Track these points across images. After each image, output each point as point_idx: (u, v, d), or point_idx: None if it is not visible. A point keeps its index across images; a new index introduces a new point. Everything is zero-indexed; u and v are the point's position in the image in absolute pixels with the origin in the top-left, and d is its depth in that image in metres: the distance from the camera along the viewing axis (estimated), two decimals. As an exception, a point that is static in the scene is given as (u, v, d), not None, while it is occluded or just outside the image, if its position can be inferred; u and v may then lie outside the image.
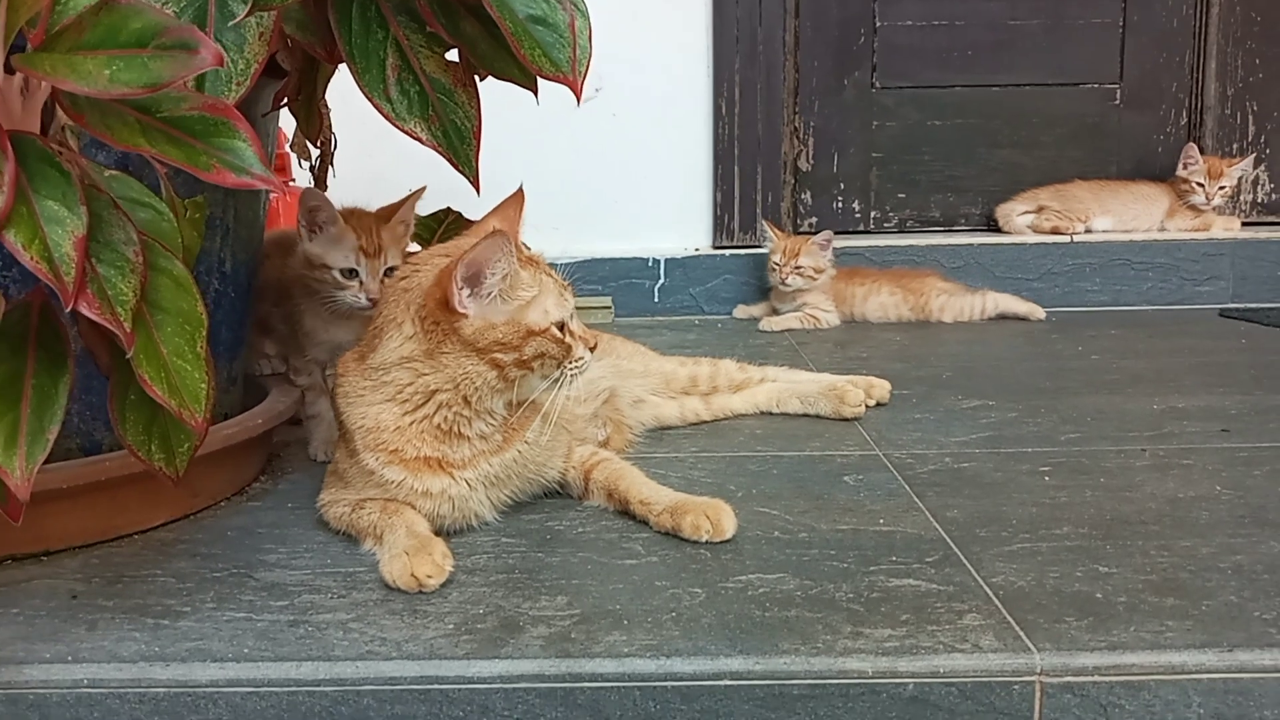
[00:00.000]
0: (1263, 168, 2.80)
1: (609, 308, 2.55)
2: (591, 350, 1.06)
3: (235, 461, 1.19)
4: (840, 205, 2.83)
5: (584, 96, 0.98)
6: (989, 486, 1.17)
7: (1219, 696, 0.76)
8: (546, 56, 0.95)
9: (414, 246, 1.36)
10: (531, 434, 1.06)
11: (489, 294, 0.98)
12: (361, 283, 1.26)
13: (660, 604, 0.87)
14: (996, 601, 0.86)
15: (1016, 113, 2.80)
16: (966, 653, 0.77)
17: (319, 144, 1.41)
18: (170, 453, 0.87)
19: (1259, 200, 2.82)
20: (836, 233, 2.52)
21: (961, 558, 0.95)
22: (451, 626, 0.83)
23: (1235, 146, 2.78)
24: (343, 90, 1.12)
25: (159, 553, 1.01)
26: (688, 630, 0.82)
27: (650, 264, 2.61)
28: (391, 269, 1.25)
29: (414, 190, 1.34)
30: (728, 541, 1.00)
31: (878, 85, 2.79)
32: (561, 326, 1.02)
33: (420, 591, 0.90)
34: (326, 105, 1.35)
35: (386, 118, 1.00)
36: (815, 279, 2.37)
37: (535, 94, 1.06)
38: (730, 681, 0.77)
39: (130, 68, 0.71)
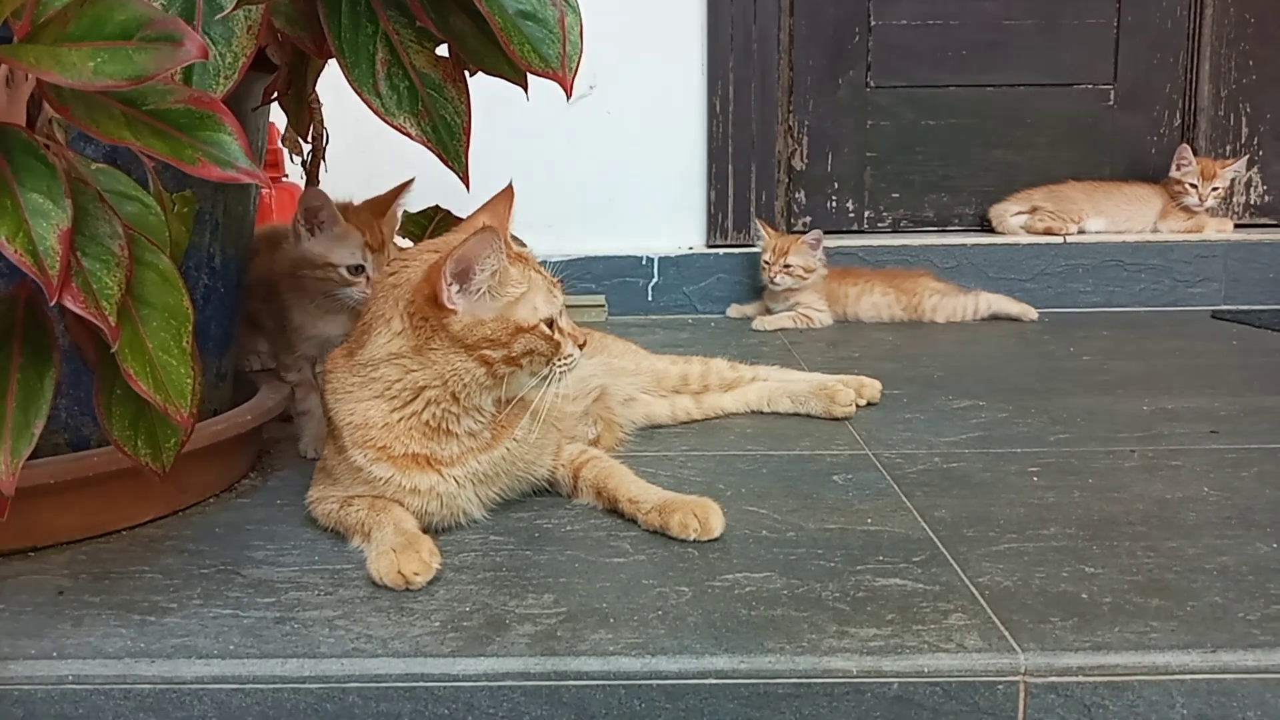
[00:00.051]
0: (1256, 169, 2.80)
1: (602, 306, 2.55)
2: (581, 348, 1.06)
3: (224, 458, 1.18)
4: (834, 205, 2.84)
5: (577, 94, 0.98)
6: (977, 487, 1.17)
7: (1202, 697, 0.76)
8: (536, 52, 0.95)
9: (405, 243, 1.36)
10: (520, 431, 1.06)
11: (478, 290, 0.97)
12: (368, 278, 1.27)
13: (647, 602, 0.87)
14: (982, 601, 0.86)
15: (1011, 113, 2.80)
16: (951, 652, 0.77)
17: (310, 139, 1.41)
18: (157, 448, 0.86)
19: (1252, 202, 2.83)
20: (830, 232, 2.52)
21: (948, 557, 0.96)
22: (438, 624, 0.83)
23: (1228, 148, 2.79)
24: (335, 86, 1.12)
25: (146, 549, 1.01)
26: (674, 629, 0.82)
27: (644, 262, 2.61)
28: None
29: (403, 182, 1.34)
30: (715, 540, 1.00)
31: (872, 84, 2.79)
32: (551, 323, 1.02)
33: (407, 589, 0.90)
34: (318, 100, 1.35)
35: (376, 112, 1.00)
36: (805, 278, 2.37)
37: (525, 90, 1.06)
38: (715, 680, 0.77)
39: (115, 60, 0.70)
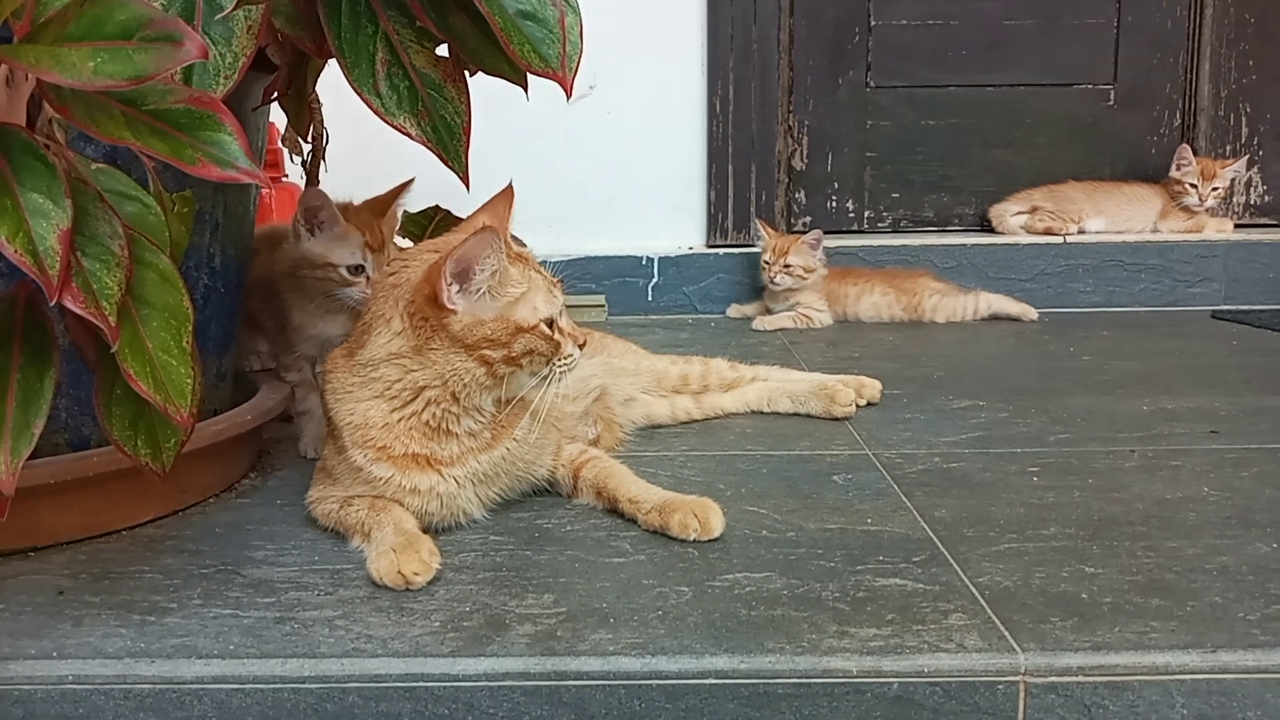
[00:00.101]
0: (1256, 169, 2.80)
1: (603, 306, 2.55)
2: (581, 348, 1.06)
3: (224, 458, 1.18)
4: (834, 205, 2.84)
5: (578, 94, 0.98)
6: (977, 487, 1.17)
7: (1202, 697, 0.76)
8: (536, 52, 0.95)
9: (405, 243, 1.36)
10: (520, 431, 1.06)
11: (478, 290, 0.97)
12: (369, 278, 1.27)
13: (647, 602, 0.87)
14: (982, 601, 0.86)
15: (1010, 113, 2.80)
16: (951, 652, 0.77)
17: (310, 139, 1.41)
18: (157, 448, 0.86)
19: (1252, 202, 2.83)
20: (830, 232, 2.52)
21: (948, 557, 0.96)
22: (438, 624, 0.83)
23: (1228, 148, 2.79)
24: (335, 86, 1.12)
25: (147, 549, 1.01)
26: (673, 629, 0.82)
27: (644, 262, 2.61)
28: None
29: (403, 182, 1.34)
30: (715, 540, 1.00)
31: (872, 84, 2.79)
32: (550, 323, 1.02)
33: (407, 589, 0.90)
34: (318, 100, 1.35)
35: (376, 112, 1.00)
36: (805, 278, 2.37)
37: (525, 90, 1.06)
38: (715, 680, 0.77)
39: (115, 60, 0.70)
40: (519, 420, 1.06)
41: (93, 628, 0.84)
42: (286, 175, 2.24)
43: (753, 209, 2.66)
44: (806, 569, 0.93)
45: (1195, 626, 0.81)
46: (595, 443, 1.27)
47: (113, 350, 0.78)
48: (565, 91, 0.97)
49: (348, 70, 0.99)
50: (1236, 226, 2.71)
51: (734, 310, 2.57)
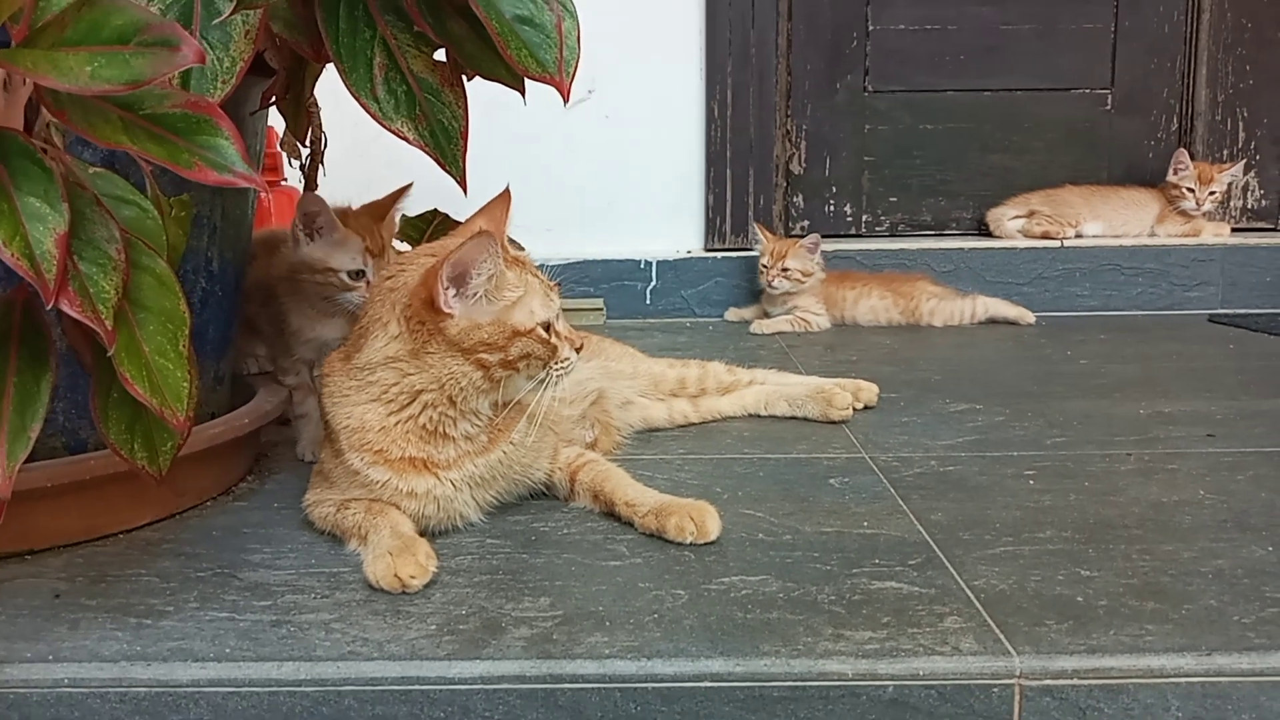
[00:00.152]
0: (1253, 174, 2.81)
1: (601, 309, 2.55)
2: (578, 351, 1.06)
3: (221, 461, 1.19)
4: (832, 209, 2.84)
5: (576, 99, 0.98)
6: (974, 490, 1.17)
7: (1197, 700, 0.76)
8: (533, 57, 0.95)
9: (403, 247, 1.36)
10: (517, 435, 1.06)
11: (475, 294, 0.98)
12: (369, 282, 1.27)
13: (643, 605, 0.87)
14: (977, 604, 0.86)
15: (1008, 117, 2.81)
16: (946, 655, 0.77)
17: (309, 143, 1.41)
18: (153, 452, 0.86)
19: (1249, 206, 2.84)
20: (828, 236, 2.53)
21: (944, 560, 0.96)
22: (434, 627, 0.83)
23: (1226, 152, 2.80)
24: (333, 90, 1.12)
25: (143, 552, 1.01)
26: (669, 632, 0.82)
27: (642, 266, 2.61)
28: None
29: (401, 186, 1.34)
30: (712, 543, 1.00)
31: (870, 89, 2.80)
32: (547, 327, 1.02)
33: (403, 592, 0.90)
34: (316, 104, 1.35)
35: (373, 117, 1.00)
36: (803, 282, 2.37)
37: (523, 94, 1.06)
38: (711, 683, 0.77)
39: (112, 64, 0.70)
40: (516, 424, 1.06)
41: (89, 631, 0.84)
42: (285, 179, 2.24)
43: (751, 213, 2.66)
44: (802, 572, 0.93)
45: (1190, 629, 0.81)
46: (592, 446, 1.27)
47: (109, 354, 0.78)
48: (562, 96, 0.97)
49: (345, 75, 1.00)
50: (1233, 230, 2.72)
51: (732, 314, 2.57)
